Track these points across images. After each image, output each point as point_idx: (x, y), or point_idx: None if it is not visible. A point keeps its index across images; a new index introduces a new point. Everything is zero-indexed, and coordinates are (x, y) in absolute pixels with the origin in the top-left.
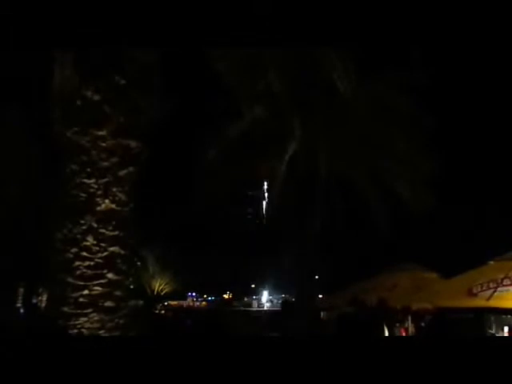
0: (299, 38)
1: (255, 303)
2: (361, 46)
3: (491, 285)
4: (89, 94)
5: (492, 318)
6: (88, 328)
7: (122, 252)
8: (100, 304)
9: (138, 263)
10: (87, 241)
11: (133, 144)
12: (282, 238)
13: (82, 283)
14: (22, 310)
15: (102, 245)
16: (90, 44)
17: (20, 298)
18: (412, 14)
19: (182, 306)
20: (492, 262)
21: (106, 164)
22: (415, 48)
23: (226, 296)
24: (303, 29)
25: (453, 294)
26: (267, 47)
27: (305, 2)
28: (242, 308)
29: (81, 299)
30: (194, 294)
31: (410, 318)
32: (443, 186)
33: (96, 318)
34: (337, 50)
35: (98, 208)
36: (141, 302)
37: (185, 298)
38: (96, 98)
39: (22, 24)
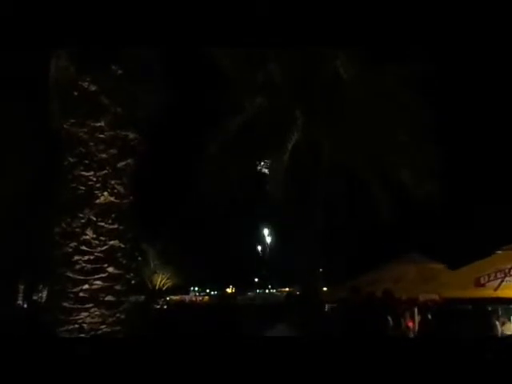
0: (299, 38)
1: (259, 297)
2: (361, 45)
3: (499, 275)
4: (85, 84)
5: (499, 308)
6: (89, 323)
7: (122, 246)
8: (101, 298)
9: (139, 257)
10: (86, 234)
11: (131, 135)
12: (284, 229)
13: (82, 277)
14: (23, 306)
15: (102, 238)
16: (90, 44)
17: (21, 294)
18: (415, 6)
19: (184, 300)
20: (499, 252)
21: (104, 156)
22: (418, 39)
23: (228, 290)
24: (303, 29)
25: (460, 285)
26: (267, 47)
27: (306, 2)
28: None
29: (81, 294)
30: (196, 288)
31: (416, 310)
32: (449, 175)
33: (97, 313)
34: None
35: (97, 201)
36: (142, 297)
37: (187, 293)
38: (92, 88)
39: (22, 24)
